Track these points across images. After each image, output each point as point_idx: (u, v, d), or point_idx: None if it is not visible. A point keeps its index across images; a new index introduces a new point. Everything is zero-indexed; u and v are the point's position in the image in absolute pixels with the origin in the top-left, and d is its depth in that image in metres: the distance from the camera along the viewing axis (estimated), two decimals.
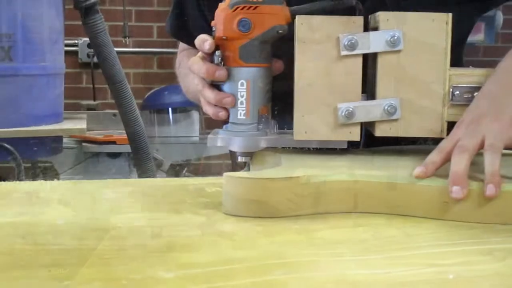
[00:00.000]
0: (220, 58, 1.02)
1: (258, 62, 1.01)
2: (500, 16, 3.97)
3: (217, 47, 1.03)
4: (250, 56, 1.01)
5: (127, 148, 3.18)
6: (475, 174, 0.86)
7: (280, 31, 1.00)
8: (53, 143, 2.79)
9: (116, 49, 2.67)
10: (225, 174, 0.87)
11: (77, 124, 2.78)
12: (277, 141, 1.03)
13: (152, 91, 3.87)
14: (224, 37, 1.00)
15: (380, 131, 0.99)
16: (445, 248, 0.74)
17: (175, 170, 3.67)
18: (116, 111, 3.31)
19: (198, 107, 3.75)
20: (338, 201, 0.87)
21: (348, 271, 0.66)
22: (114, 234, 0.77)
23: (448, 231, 0.80)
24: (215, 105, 1.04)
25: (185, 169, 3.75)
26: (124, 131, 2.88)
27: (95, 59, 3.81)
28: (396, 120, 0.98)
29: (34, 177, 3.08)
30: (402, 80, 0.97)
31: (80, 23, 2.58)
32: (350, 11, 1.00)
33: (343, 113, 0.98)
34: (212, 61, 1.03)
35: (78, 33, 3.79)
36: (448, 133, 0.95)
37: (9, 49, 2.47)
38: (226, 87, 1.03)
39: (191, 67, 1.06)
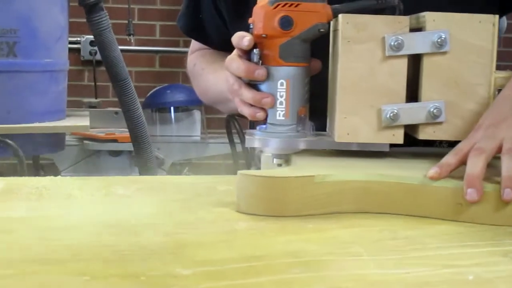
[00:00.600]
0: (258, 57, 0.99)
1: (298, 61, 0.98)
2: (504, 21, 3.96)
3: (254, 46, 0.99)
4: (291, 54, 0.98)
5: (128, 146, 3.19)
6: (492, 177, 0.86)
7: (322, 30, 0.97)
8: (56, 140, 2.79)
9: (119, 47, 2.67)
10: (239, 172, 0.87)
11: (80, 121, 2.77)
12: (316, 143, 1.01)
13: (154, 89, 3.86)
14: (263, 35, 0.97)
15: (424, 134, 0.97)
16: (461, 250, 0.73)
17: (176, 169, 3.67)
18: (118, 109, 3.31)
19: (200, 107, 3.75)
20: (352, 200, 0.87)
21: (366, 270, 0.65)
22: (128, 231, 0.77)
23: (463, 232, 0.80)
24: (252, 106, 1.01)
25: (186, 168, 3.74)
26: (126, 129, 2.88)
27: (97, 57, 3.81)
28: (440, 123, 0.96)
29: (35, 174, 3.07)
30: (447, 82, 0.95)
31: (83, 20, 2.58)
32: (390, 11, 0.99)
33: (388, 115, 0.95)
34: (249, 60, 1.00)
35: (81, 30, 3.79)
36: None
37: (13, 45, 2.47)
38: (264, 87, 0.99)
39: (228, 66, 1.03)
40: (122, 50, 2.71)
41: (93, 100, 4.01)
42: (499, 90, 0.95)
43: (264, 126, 1.01)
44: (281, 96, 0.98)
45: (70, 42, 3.10)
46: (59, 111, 2.72)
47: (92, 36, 2.84)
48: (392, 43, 0.94)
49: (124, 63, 2.65)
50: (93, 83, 4.09)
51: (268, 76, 0.98)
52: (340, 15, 0.96)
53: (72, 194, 0.94)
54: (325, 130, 1.07)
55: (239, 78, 1.02)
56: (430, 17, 0.95)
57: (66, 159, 3.40)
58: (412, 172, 0.89)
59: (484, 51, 0.95)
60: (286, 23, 0.96)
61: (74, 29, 3.30)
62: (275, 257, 0.69)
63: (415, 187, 0.86)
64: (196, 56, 1.45)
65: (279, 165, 0.99)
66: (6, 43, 2.46)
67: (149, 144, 2.83)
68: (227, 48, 1.32)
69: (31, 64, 2.52)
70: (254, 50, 0.99)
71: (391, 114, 0.95)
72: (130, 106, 2.69)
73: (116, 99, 2.96)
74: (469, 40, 0.95)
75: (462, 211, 0.84)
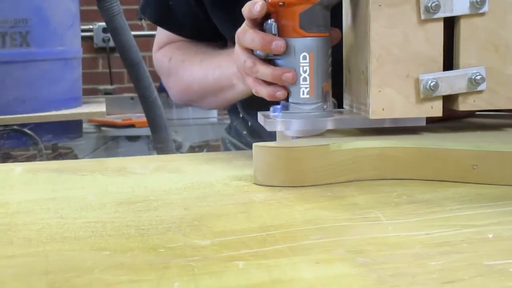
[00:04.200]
0: (275, 28, 0.89)
1: (321, 31, 0.89)
2: None
3: (267, 16, 0.90)
4: (313, 24, 0.88)
5: (146, 131, 3.19)
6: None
7: None
8: (73, 127, 2.81)
9: (132, 32, 2.67)
10: (255, 144, 0.87)
11: (97, 107, 2.79)
12: (347, 121, 0.93)
13: None
14: (280, 3, 0.88)
15: (464, 105, 0.90)
16: (479, 210, 0.73)
17: (194, 152, 3.67)
18: (134, 94, 3.32)
19: None
20: (369, 167, 0.86)
21: (386, 234, 0.65)
22: (147, 207, 0.77)
23: (482, 194, 0.80)
24: (270, 84, 0.92)
25: (205, 150, 3.75)
26: (142, 114, 2.89)
27: (111, 44, 3.81)
28: (481, 91, 0.89)
29: None
30: (486, 46, 0.89)
31: (94, 8, 2.59)
32: None
33: (428, 85, 0.87)
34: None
35: (93, 18, 3.79)
36: None
37: (26, 34, 2.48)
38: (282, 62, 0.90)
39: (239, 38, 0.93)
40: (134, 35, 2.71)
41: (108, 86, 4.03)
42: None
43: (278, 106, 0.92)
44: (305, 71, 0.89)
45: (83, 30, 3.11)
46: (75, 99, 2.74)
47: (104, 23, 2.85)
48: (429, 5, 0.86)
49: (137, 47, 2.66)
50: (107, 70, 4.10)
51: (287, 50, 0.89)
52: None
53: (89, 175, 0.94)
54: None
55: (252, 54, 0.93)
56: None
57: (85, 146, 3.41)
58: (427, 137, 0.89)
59: None
60: None
61: (86, 17, 3.31)
62: (293, 225, 0.69)
63: (431, 151, 0.86)
64: (170, 49, 1.30)
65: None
66: (19, 33, 2.47)
67: (166, 128, 2.84)
68: (202, 37, 1.25)
69: (44, 53, 2.53)
70: (269, 21, 0.90)
71: (432, 84, 0.87)
72: (145, 90, 2.70)
73: (131, 85, 2.97)
74: None
75: (478, 173, 0.84)
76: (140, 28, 4.00)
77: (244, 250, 0.61)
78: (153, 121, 2.78)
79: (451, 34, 0.90)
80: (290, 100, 0.91)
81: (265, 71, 0.91)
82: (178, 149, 3.41)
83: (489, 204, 0.75)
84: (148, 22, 4.10)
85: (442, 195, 0.79)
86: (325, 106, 0.91)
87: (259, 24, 0.91)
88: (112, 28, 2.60)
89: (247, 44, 0.92)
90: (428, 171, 0.86)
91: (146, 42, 4.07)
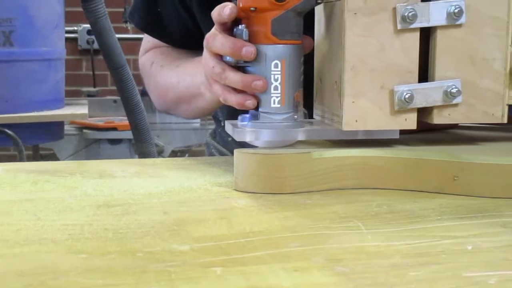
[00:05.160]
0: (246, 34, 0.86)
1: (294, 38, 0.86)
2: None
3: (238, 21, 0.88)
4: (286, 30, 0.85)
5: (128, 134, 3.19)
6: (491, 150, 0.85)
7: (319, 1, 0.87)
8: (55, 128, 2.79)
9: (116, 35, 2.67)
10: (236, 150, 0.87)
11: (79, 109, 2.78)
12: (318, 133, 0.90)
13: None
14: (252, 8, 0.84)
15: (439, 118, 0.88)
16: (459, 221, 0.73)
17: (176, 157, 3.66)
18: (117, 97, 3.31)
19: None
20: (350, 176, 0.86)
21: (365, 243, 0.65)
22: (126, 210, 0.76)
23: (462, 205, 0.80)
24: (239, 92, 0.88)
25: (186, 155, 3.74)
26: (125, 117, 2.88)
27: (95, 46, 3.80)
28: (456, 105, 0.87)
29: None
30: (463, 59, 0.87)
31: (79, 9, 2.58)
32: None
33: (403, 97, 0.85)
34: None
35: (78, 19, 3.78)
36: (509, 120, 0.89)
37: (10, 33, 2.46)
38: (253, 69, 0.87)
39: (208, 43, 0.90)
40: (119, 38, 2.70)
41: (91, 89, 4.01)
42: None
43: (247, 115, 0.89)
44: (276, 80, 0.86)
45: (67, 32, 3.10)
46: (58, 100, 2.73)
47: (89, 25, 2.83)
48: (406, 14, 0.84)
49: (121, 50, 2.65)
50: (91, 72, 4.08)
51: (258, 57, 0.86)
52: None
53: (70, 177, 0.94)
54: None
55: (221, 60, 0.90)
56: None
57: (66, 148, 3.40)
58: (408, 147, 0.89)
59: (500, 22, 0.87)
60: None
61: (70, 18, 3.30)
62: (273, 232, 0.69)
63: (412, 161, 0.86)
64: (154, 54, 1.28)
65: None
66: (2, 32, 2.45)
67: (148, 132, 2.83)
68: (190, 45, 1.21)
69: (28, 53, 2.52)
70: (240, 26, 0.86)
71: (407, 96, 0.85)
72: (128, 93, 2.69)
73: (114, 88, 2.96)
74: (484, 11, 0.86)
75: (458, 184, 0.84)
76: (125, 31, 3.98)
77: (223, 256, 0.61)
78: (136, 125, 2.77)
79: (427, 45, 0.88)
80: (260, 109, 0.88)
81: (234, 78, 0.88)
82: (160, 153, 3.41)
83: (469, 215, 0.75)
84: (132, 25, 4.09)
85: (422, 205, 0.79)
86: (296, 116, 0.88)
87: (229, 29, 0.89)
88: (96, 30, 2.60)
89: (216, 49, 0.89)
90: (409, 181, 0.86)
91: (131, 45, 4.07)
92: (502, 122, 0.89)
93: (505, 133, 1.06)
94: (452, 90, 0.86)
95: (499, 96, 0.88)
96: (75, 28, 4.00)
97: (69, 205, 0.79)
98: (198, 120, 3.74)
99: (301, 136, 0.88)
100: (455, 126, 1.07)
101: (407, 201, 0.81)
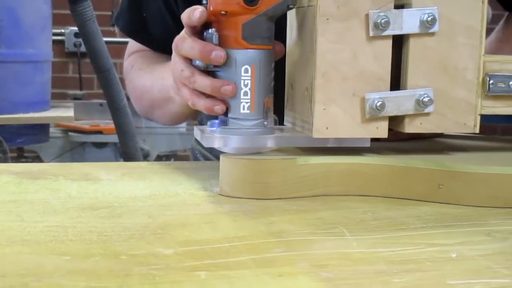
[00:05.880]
0: (216, 38, 0.84)
1: (264, 43, 0.84)
2: (489, 11, 3.99)
3: (208, 25, 0.86)
4: (256, 35, 0.84)
5: (113, 138, 3.18)
6: (475, 159, 0.86)
7: (291, 5, 0.85)
8: (40, 131, 2.78)
9: (104, 38, 2.66)
10: (222, 155, 0.86)
11: (65, 112, 2.77)
12: (288, 140, 0.88)
13: None
14: (223, 12, 0.83)
15: (410, 127, 0.87)
16: (444, 229, 0.73)
17: (162, 161, 3.66)
18: (103, 101, 3.30)
19: None
20: (335, 183, 0.86)
21: (350, 249, 0.65)
22: (111, 213, 0.76)
23: (447, 213, 0.80)
24: (208, 97, 0.87)
25: (172, 159, 3.74)
26: (111, 121, 2.87)
27: (82, 49, 3.79)
28: (428, 114, 0.86)
29: None
30: (435, 67, 0.86)
31: (66, 12, 2.57)
32: None
33: (374, 105, 0.84)
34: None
35: (65, 22, 3.77)
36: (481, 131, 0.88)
37: None
38: (223, 74, 0.85)
39: (177, 46, 0.88)
40: (106, 42, 2.70)
41: (78, 92, 4.00)
42: (489, 76, 0.87)
43: (216, 121, 0.87)
44: (246, 85, 0.84)
45: (54, 34, 3.10)
46: (43, 102, 2.72)
47: (76, 28, 2.83)
48: (378, 21, 0.82)
49: (108, 53, 2.65)
50: (77, 75, 4.07)
51: (228, 61, 0.84)
52: None
53: (54, 179, 0.93)
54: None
55: (191, 64, 0.88)
56: None
57: (51, 151, 3.39)
58: (394, 155, 0.89)
59: (473, 31, 0.86)
60: None
61: (58, 21, 3.29)
62: (257, 237, 0.68)
63: (398, 169, 0.86)
64: (135, 57, 1.26)
65: None
66: None
67: (134, 136, 2.82)
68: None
69: (14, 54, 2.51)
70: (210, 30, 0.85)
71: (378, 104, 0.84)
72: (115, 97, 2.69)
73: (100, 91, 2.95)
74: (457, 19, 0.85)
75: (443, 193, 0.84)
76: (112, 34, 3.98)
77: (207, 260, 0.61)
78: (121, 128, 2.76)
79: (400, 53, 0.87)
80: (229, 115, 0.86)
81: (203, 82, 0.86)
82: (146, 157, 3.40)
83: (453, 223, 0.76)
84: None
85: (407, 213, 0.79)
86: (266, 123, 0.86)
87: (199, 32, 0.87)
88: (84, 33, 2.59)
89: (185, 52, 0.87)
90: (394, 189, 0.86)
91: (118, 49, 4.06)
92: (474, 132, 0.89)
93: (490, 143, 1.07)
94: (424, 99, 0.85)
95: (471, 105, 0.88)
96: (63, 31, 3.98)
97: (53, 207, 0.79)
98: (184, 125, 3.73)
99: (270, 143, 0.87)
100: (440, 134, 1.07)
101: (392, 208, 0.81)
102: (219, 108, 0.85)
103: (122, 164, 1.11)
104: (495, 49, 1.18)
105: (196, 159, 1.37)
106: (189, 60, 0.88)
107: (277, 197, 0.84)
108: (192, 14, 0.84)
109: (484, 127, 0.92)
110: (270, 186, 0.84)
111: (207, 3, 0.84)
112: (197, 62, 0.87)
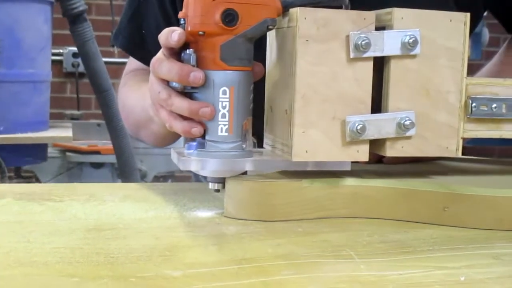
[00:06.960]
0: (194, 59, 0.83)
1: (243, 65, 0.83)
2: (486, 33, 4.01)
3: (186, 46, 0.84)
4: (235, 56, 0.82)
5: (111, 159, 3.18)
6: (479, 181, 0.86)
7: (270, 26, 0.83)
8: (38, 151, 2.78)
9: (103, 59, 2.67)
10: (228, 178, 0.86)
11: (63, 132, 2.77)
12: (267, 163, 0.86)
13: None
14: (201, 33, 0.81)
15: (392, 150, 0.85)
16: (451, 252, 0.73)
17: (159, 182, 3.65)
18: (101, 121, 3.30)
19: None
20: (341, 205, 0.86)
21: (359, 272, 0.65)
22: (117, 235, 0.76)
23: (454, 236, 0.80)
24: (185, 119, 0.85)
25: (169, 180, 3.73)
26: (108, 141, 2.87)
27: (80, 69, 3.80)
28: (409, 137, 0.85)
29: None
30: (417, 90, 0.84)
31: (65, 32, 2.58)
32: (337, 6, 0.84)
33: (354, 128, 0.82)
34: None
35: (63, 42, 3.78)
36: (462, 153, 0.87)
37: None
38: (201, 95, 0.83)
39: (155, 68, 0.86)
40: (105, 62, 2.71)
41: (75, 112, 4.00)
42: (472, 99, 0.86)
43: (194, 143, 0.85)
44: (224, 107, 0.83)
45: (53, 54, 3.10)
46: (42, 122, 2.72)
47: (75, 48, 2.84)
48: (359, 43, 0.81)
49: (107, 74, 2.65)
50: (75, 95, 4.07)
51: (206, 83, 0.82)
52: (297, 9, 0.81)
53: (58, 200, 0.93)
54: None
55: (168, 86, 0.86)
56: (398, 14, 0.83)
57: (48, 171, 3.38)
58: (400, 177, 0.89)
59: (455, 53, 0.85)
60: (230, 17, 0.81)
61: (56, 41, 3.29)
62: (265, 259, 0.68)
63: (403, 191, 0.86)
64: (129, 76, 1.24)
65: (217, 190, 0.87)
66: None
67: (132, 156, 2.83)
68: None
69: (14, 75, 2.51)
70: (187, 51, 0.83)
71: (359, 127, 0.82)
72: (113, 117, 2.69)
73: (98, 111, 2.96)
74: (439, 42, 0.84)
75: (449, 215, 0.84)
76: (112, 54, 3.99)
77: (216, 282, 0.61)
78: (119, 149, 2.77)
79: (381, 75, 0.86)
80: (206, 137, 0.84)
81: (181, 104, 0.84)
82: (143, 178, 3.39)
83: (459, 246, 0.75)
84: (120, 49, 4.09)
85: (413, 236, 0.79)
86: (244, 146, 0.85)
87: (177, 53, 0.85)
88: (83, 53, 2.60)
89: (163, 74, 0.85)
90: (400, 211, 0.86)
91: (117, 69, 4.07)
92: (457, 156, 0.87)
93: (496, 166, 1.07)
94: (405, 122, 0.84)
95: (453, 129, 0.86)
96: (61, 51, 3.99)
97: (59, 228, 0.78)
98: (182, 146, 3.73)
99: (249, 167, 0.85)
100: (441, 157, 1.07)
101: (399, 231, 0.81)
102: (196, 130, 0.84)
103: (124, 185, 1.11)
104: (497, 72, 1.18)
105: (198, 180, 1.36)
106: (166, 82, 0.87)
107: (282, 219, 0.84)
108: (170, 36, 0.82)
109: (482, 149, 0.92)
110: (275, 208, 0.84)
111: (185, 23, 0.83)
112: (174, 84, 0.85)
